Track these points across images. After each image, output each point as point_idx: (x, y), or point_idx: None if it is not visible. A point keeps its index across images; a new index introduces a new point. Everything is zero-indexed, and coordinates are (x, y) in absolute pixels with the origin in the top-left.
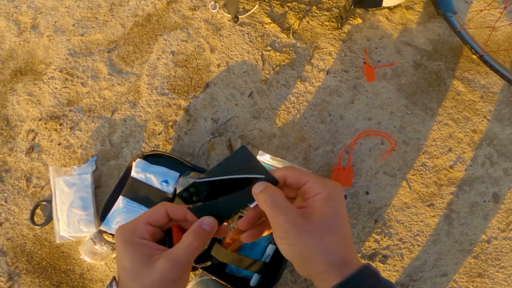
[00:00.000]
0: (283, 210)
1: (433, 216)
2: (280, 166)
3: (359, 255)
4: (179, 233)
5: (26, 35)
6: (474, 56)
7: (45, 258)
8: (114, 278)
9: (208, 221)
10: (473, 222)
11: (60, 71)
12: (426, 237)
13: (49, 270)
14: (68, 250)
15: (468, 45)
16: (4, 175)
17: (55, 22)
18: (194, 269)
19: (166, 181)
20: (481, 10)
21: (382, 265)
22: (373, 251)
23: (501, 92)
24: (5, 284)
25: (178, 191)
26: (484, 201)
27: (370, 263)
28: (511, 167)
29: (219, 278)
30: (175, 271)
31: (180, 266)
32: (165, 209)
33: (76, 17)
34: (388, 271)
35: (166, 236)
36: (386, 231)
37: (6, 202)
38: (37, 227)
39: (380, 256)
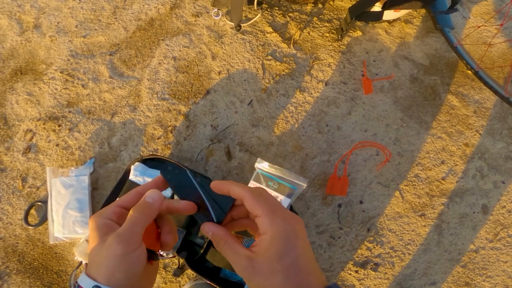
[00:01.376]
0: (233, 254)
1: (424, 226)
2: (278, 174)
3: (351, 262)
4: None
5: (28, 35)
6: (469, 72)
7: (37, 259)
8: (81, 262)
9: (151, 194)
10: (462, 232)
11: (61, 72)
12: (416, 246)
13: (41, 271)
14: (61, 251)
15: (464, 61)
16: None
17: (58, 23)
18: (160, 256)
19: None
20: (479, 27)
21: (373, 272)
22: (365, 258)
23: (493, 108)
24: None
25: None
26: (474, 212)
27: (362, 270)
28: (501, 180)
29: (213, 282)
30: (118, 245)
31: (123, 239)
32: (136, 190)
33: (79, 18)
34: (379, 279)
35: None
36: (378, 240)
37: None
38: (30, 227)
39: (371, 264)
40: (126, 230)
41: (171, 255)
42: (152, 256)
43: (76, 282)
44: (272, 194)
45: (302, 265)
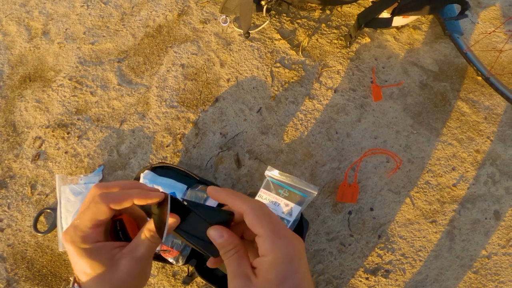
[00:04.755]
0: (236, 268)
1: (435, 232)
2: (288, 182)
3: (362, 269)
4: (132, 222)
5: (36, 41)
6: (479, 78)
7: (46, 266)
8: (74, 279)
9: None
10: (474, 238)
11: (69, 79)
12: (428, 252)
13: (50, 278)
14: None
15: (474, 67)
16: (8, 181)
17: (66, 29)
18: (170, 263)
19: (174, 193)
20: (490, 33)
21: (384, 279)
22: (376, 265)
23: (504, 114)
24: None
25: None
26: (486, 218)
27: (372, 277)
28: None
29: None
30: (140, 268)
31: (143, 262)
32: (107, 204)
33: (87, 25)
34: (390, 286)
35: (116, 225)
36: (389, 246)
37: (9, 208)
38: (39, 234)
39: (382, 270)
40: (146, 255)
41: (180, 263)
42: None
43: None
44: (283, 202)
45: (305, 286)
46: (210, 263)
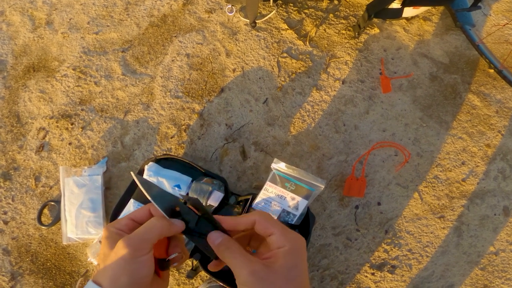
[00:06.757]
0: (245, 261)
1: (443, 228)
2: (295, 175)
3: (368, 264)
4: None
5: (40, 31)
6: (491, 70)
7: (50, 259)
8: (86, 270)
9: (176, 221)
10: (483, 234)
11: (73, 69)
12: (435, 248)
13: (54, 271)
14: (74, 252)
15: (487, 60)
16: (12, 173)
17: (70, 19)
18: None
19: (178, 186)
20: (503, 25)
21: (390, 275)
22: (382, 261)
23: None
24: (8, 284)
25: (190, 195)
26: (495, 214)
27: (378, 272)
28: None
29: (227, 284)
30: (126, 248)
31: (131, 243)
32: (148, 207)
33: (91, 14)
34: (396, 281)
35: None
36: (396, 242)
37: (13, 200)
38: (43, 227)
39: (388, 266)
40: (137, 235)
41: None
42: (161, 264)
43: None
44: (289, 196)
45: (306, 280)
46: (212, 266)
